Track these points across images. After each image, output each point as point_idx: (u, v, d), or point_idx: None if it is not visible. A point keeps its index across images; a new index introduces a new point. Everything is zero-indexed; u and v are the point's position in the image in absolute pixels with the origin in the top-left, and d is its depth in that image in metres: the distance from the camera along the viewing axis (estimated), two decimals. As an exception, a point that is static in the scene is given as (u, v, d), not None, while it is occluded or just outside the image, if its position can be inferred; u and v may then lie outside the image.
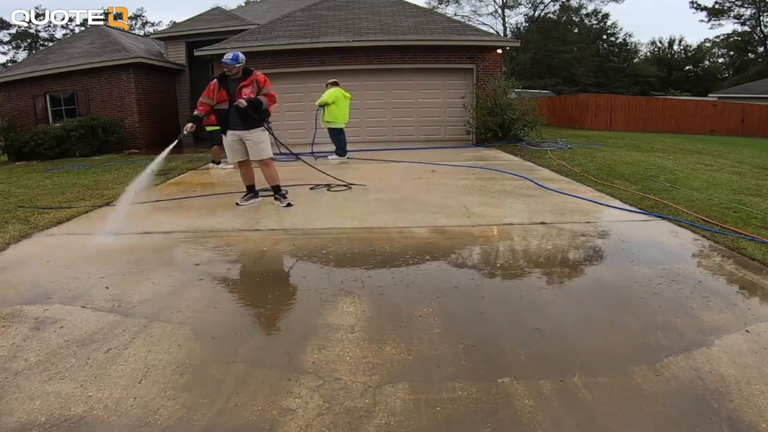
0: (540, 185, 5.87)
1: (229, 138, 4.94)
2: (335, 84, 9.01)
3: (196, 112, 4.93)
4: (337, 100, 8.86)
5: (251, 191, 5.20)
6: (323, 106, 8.92)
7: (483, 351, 2.13)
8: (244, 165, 5.11)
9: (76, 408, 1.79)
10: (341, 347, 2.18)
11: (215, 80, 4.91)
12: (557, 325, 2.36)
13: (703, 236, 3.72)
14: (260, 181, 5.26)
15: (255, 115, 4.82)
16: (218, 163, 8.45)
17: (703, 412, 1.71)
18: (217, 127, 8.24)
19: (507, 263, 3.24)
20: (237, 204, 5.06)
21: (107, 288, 2.93)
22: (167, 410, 1.78)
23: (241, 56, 4.86)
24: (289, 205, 4.95)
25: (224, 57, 4.81)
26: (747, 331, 2.24)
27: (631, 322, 2.35)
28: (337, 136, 9.05)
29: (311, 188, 6.03)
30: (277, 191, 5.10)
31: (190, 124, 4.81)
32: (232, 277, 3.08)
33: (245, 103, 4.68)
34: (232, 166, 8.39)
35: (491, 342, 2.21)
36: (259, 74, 4.89)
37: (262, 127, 4.92)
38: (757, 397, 1.77)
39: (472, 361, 2.04)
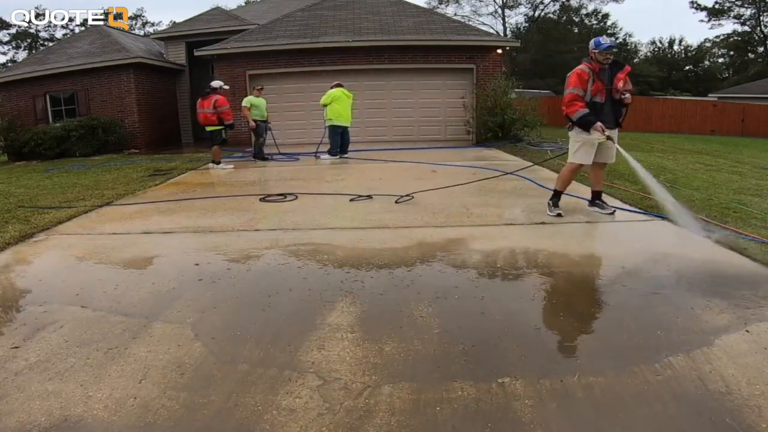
0: (540, 185, 5.86)
1: (594, 137, 4.19)
2: (338, 85, 9.07)
3: (583, 111, 4.12)
4: (339, 99, 8.90)
5: (598, 198, 4.60)
6: (326, 105, 8.98)
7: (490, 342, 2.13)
8: (595, 168, 4.50)
9: (76, 408, 1.79)
10: (341, 347, 2.18)
11: (583, 69, 4.18)
12: (557, 318, 2.37)
13: (703, 236, 3.71)
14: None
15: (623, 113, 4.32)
16: (218, 163, 8.45)
17: (701, 412, 1.71)
18: (219, 127, 8.28)
19: (506, 263, 3.24)
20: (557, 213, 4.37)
21: (107, 288, 2.93)
22: (167, 410, 1.78)
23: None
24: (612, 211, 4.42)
25: (604, 41, 4.12)
26: (747, 331, 2.24)
27: (630, 322, 2.35)
28: (334, 135, 9.08)
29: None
30: (599, 196, 4.58)
31: (599, 124, 4.10)
32: (232, 277, 3.08)
33: (630, 99, 4.19)
34: (232, 166, 8.39)
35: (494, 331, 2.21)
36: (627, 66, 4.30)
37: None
38: (757, 397, 1.77)
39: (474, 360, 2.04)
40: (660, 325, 2.30)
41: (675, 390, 1.82)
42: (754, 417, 1.66)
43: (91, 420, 1.73)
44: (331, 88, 9.08)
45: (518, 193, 5.56)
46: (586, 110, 4.13)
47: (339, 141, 9.14)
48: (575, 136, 4.31)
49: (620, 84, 4.17)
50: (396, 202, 4.97)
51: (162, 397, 1.84)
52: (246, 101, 9.23)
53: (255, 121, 9.16)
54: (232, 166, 8.44)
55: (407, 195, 5.12)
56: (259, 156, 9.29)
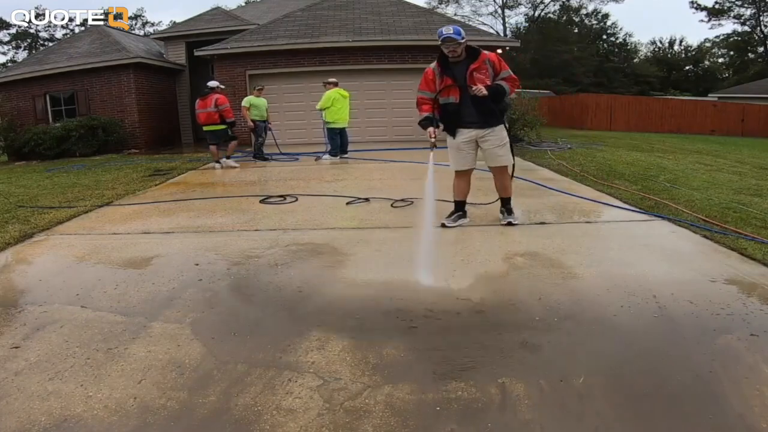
0: (540, 185, 5.87)
1: (459, 139, 3.98)
2: (335, 84, 8.99)
3: (424, 114, 3.94)
4: (335, 102, 8.87)
5: (460, 209, 4.22)
6: (324, 109, 8.95)
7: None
8: (465, 175, 4.18)
9: (76, 408, 1.79)
10: (341, 347, 2.18)
11: (431, 67, 3.89)
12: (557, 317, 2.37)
13: (703, 236, 3.72)
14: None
15: (495, 108, 3.84)
16: (219, 161, 8.47)
17: (695, 403, 1.71)
18: (222, 126, 8.20)
19: (505, 263, 3.23)
20: (443, 225, 4.04)
21: (107, 288, 2.93)
22: (167, 410, 1.78)
23: (460, 28, 3.74)
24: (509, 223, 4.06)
25: (443, 32, 3.67)
26: (746, 330, 2.24)
27: (629, 323, 2.35)
28: (333, 136, 9.08)
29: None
30: (507, 203, 4.18)
31: (431, 129, 3.92)
32: (232, 277, 3.08)
33: (485, 92, 3.65)
34: (238, 165, 8.42)
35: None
36: (489, 53, 3.83)
37: (503, 124, 3.96)
38: (756, 397, 1.77)
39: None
40: (660, 326, 2.30)
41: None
42: None
43: (91, 420, 1.73)
44: (325, 86, 8.97)
45: (517, 192, 5.55)
46: (425, 114, 3.91)
47: (347, 140, 9.21)
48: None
49: (472, 77, 3.71)
50: (392, 205, 4.84)
51: (162, 397, 1.85)
52: (246, 101, 9.23)
53: (254, 121, 9.16)
54: (238, 165, 8.53)
55: (405, 200, 5.01)
56: (259, 156, 9.29)
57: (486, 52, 3.80)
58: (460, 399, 1.79)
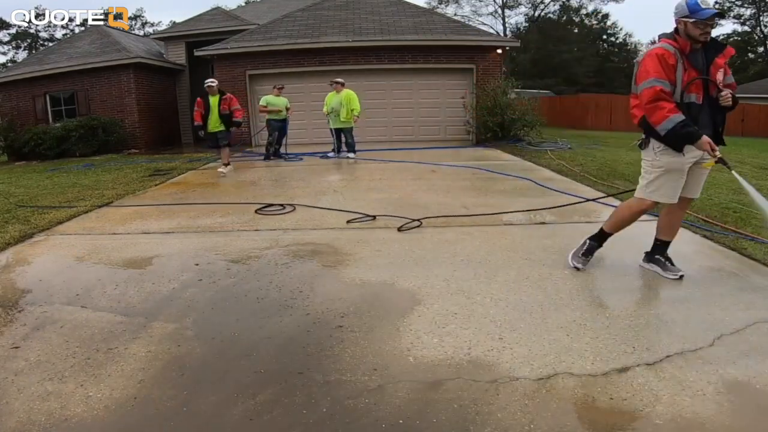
0: (540, 185, 5.87)
1: (688, 157, 2.69)
2: (341, 85, 9.22)
3: (675, 118, 2.54)
4: (330, 102, 9.15)
5: (661, 251, 2.98)
6: (329, 113, 9.26)
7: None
8: (675, 208, 2.92)
9: (76, 408, 1.79)
10: (341, 348, 2.18)
11: (664, 48, 2.64)
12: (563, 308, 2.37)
13: (704, 236, 3.72)
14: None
15: (723, 122, 2.71)
16: (228, 164, 7.77)
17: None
18: (223, 128, 7.41)
19: (503, 262, 3.23)
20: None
21: (107, 288, 2.93)
22: (167, 410, 1.78)
23: None
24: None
25: (704, 4, 2.56)
26: (746, 330, 2.24)
27: (631, 320, 2.35)
28: (334, 136, 9.39)
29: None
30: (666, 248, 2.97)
31: (705, 138, 2.53)
32: (232, 278, 3.08)
33: (731, 101, 2.60)
34: (232, 167, 7.74)
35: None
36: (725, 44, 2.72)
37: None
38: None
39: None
40: (661, 324, 2.30)
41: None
42: None
43: (91, 420, 1.73)
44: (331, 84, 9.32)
45: (517, 192, 5.56)
46: (682, 116, 2.55)
47: (338, 141, 9.47)
48: (655, 158, 2.75)
49: (719, 75, 2.63)
50: (399, 229, 4.04)
51: (162, 397, 1.84)
52: (263, 100, 9.38)
53: (269, 120, 9.29)
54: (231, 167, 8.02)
55: (416, 220, 4.22)
56: (268, 155, 9.33)
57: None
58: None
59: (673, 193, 2.76)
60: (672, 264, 2.92)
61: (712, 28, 2.62)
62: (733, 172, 2.74)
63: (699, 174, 2.81)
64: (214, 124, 7.54)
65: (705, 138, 2.53)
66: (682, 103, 2.60)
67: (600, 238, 3.05)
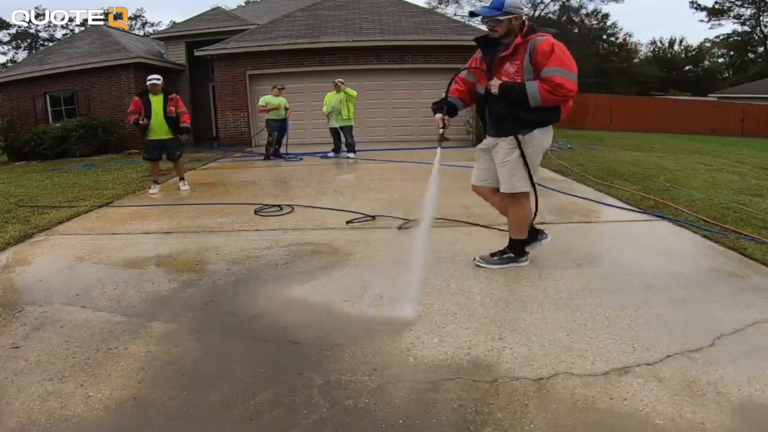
0: (540, 185, 5.85)
1: (480, 144, 3.19)
2: (341, 84, 9.21)
3: (450, 98, 3.00)
4: (335, 102, 9.14)
5: (534, 238, 3.15)
6: (329, 114, 9.28)
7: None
8: (481, 191, 3.25)
9: (76, 408, 1.79)
10: (341, 347, 2.17)
11: (479, 48, 2.97)
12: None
13: (704, 236, 3.71)
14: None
15: (508, 113, 2.84)
16: (182, 179, 6.46)
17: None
18: (173, 136, 6.03)
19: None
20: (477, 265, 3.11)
21: (107, 288, 2.93)
22: (167, 410, 1.78)
23: (511, 1, 2.73)
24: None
25: (476, 11, 2.89)
26: (746, 330, 2.24)
27: (631, 320, 2.35)
28: (334, 136, 9.45)
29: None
30: (512, 246, 3.11)
31: (439, 115, 3.03)
32: (232, 277, 3.08)
33: (496, 90, 2.80)
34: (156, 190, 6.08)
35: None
36: (542, 40, 2.72)
37: (516, 137, 2.86)
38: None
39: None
40: (660, 323, 2.30)
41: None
42: None
43: (91, 420, 1.73)
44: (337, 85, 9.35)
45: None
46: (449, 96, 3.09)
47: (337, 141, 9.52)
48: (534, 141, 2.92)
49: (499, 68, 2.85)
50: (399, 228, 4.11)
51: (162, 397, 1.84)
52: (262, 100, 9.41)
53: (268, 120, 9.29)
54: (156, 191, 6.21)
55: (415, 220, 4.09)
56: (268, 155, 9.34)
57: (543, 37, 2.74)
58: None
59: (474, 174, 3.21)
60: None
61: (487, 24, 2.85)
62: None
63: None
64: (160, 129, 6.16)
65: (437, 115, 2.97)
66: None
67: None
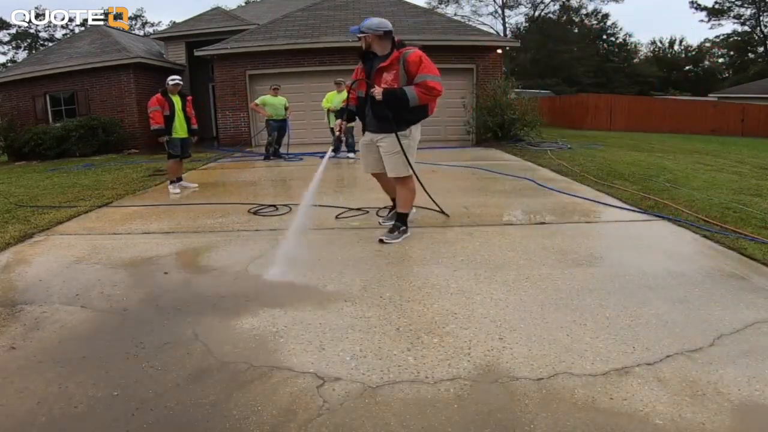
0: (540, 185, 5.87)
1: (362, 139, 3.88)
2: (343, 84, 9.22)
3: (350, 106, 3.82)
4: (337, 102, 9.05)
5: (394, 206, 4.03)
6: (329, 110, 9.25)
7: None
8: (378, 177, 4.02)
9: (76, 408, 1.79)
10: (341, 345, 2.18)
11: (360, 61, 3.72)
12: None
13: (704, 236, 3.72)
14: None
15: (389, 114, 3.51)
16: (178, 180, 6.47)
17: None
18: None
19: (503, 262, 3.23)
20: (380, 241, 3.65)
21: (107, 288, 2.93)
22: (168, 411, 1.78)
23: (377, 21, 3.61)
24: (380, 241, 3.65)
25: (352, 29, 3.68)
26: (746, 330, 2.24)
27: (631, 320, 2.35)
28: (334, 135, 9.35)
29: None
30: (399, 218, 3.80)
31: (338, 121, 3.91)
32: (232, 277, 3.08)
33: (379, 96, 3.45)
34: (178, 191, 6.14)
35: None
36: (412, 52, 3.45)
37: (396, 133, 3.55)
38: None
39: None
40: (661, 323, 2.30)
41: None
42: None
43: (91, 420, 1.73)
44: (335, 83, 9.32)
45: (517, 192, 5.56)
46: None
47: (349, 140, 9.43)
48: (410, 135, 3.67)
49: (378, 76, 3.55)
50: (377, 214, 4.47)
51: (163, 397, 1.84)
52: (259, 100, 9.40)
53: (268, 120, 9.30)
54: (178, 191, 6.27)
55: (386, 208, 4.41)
56: (268, 155, 9.34)
57: (412, 50, 3.46)
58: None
59: (364, 164, 3.94)
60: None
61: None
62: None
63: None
64: (182, 128, 6.37)
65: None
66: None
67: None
